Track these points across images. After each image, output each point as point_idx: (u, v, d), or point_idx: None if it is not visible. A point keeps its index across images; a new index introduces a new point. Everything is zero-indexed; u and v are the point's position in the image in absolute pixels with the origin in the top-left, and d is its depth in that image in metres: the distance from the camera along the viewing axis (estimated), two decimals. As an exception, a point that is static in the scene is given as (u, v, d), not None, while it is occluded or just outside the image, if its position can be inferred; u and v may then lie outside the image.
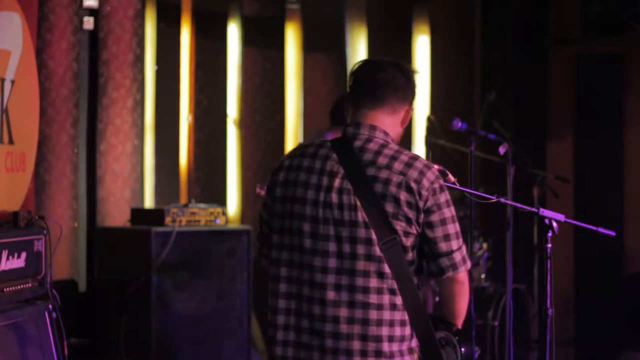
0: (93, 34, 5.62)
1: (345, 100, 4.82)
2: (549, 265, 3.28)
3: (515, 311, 4.71)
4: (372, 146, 2.93)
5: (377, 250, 2.85)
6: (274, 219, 2.98)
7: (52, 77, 5.25)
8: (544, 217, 3.27)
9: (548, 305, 3.29)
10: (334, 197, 2.88)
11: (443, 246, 2.91)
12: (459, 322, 3.05)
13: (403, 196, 2.86)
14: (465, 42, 7.96)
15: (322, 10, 7.24)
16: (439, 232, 2.90)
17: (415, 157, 2.94)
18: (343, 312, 2.85)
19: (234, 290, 5.45)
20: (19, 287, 3.85)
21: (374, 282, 2.85)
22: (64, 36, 5.31)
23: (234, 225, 5.71)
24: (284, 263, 2.94)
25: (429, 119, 6.50)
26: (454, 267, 2.94)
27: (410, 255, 2.89)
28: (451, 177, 3.15)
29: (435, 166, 3.15)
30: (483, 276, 6.48)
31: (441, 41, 7.77)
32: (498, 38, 7.85)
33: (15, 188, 4.57)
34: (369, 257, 2.86)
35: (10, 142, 4.51)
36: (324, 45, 7.30)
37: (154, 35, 6.08)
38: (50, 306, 3.94)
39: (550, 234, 3.28)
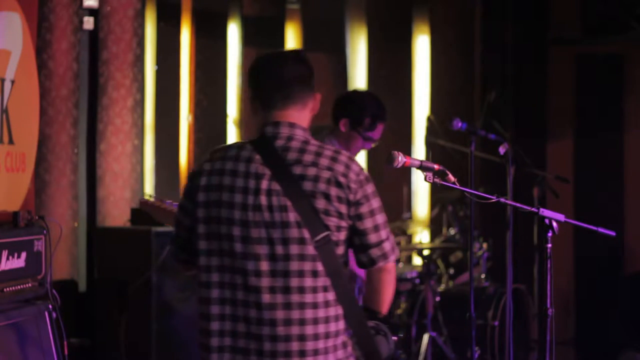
0: (93, 34, 5.62)
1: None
2: (549, 265, 3.28)
3: (515, 311, 4.70)
4: (295, 144, 2.91)
5: (311, 249, 2.83)
6: (198, 225, 2.92)
7: (52, 77, 5.25)
8: (544, 217, 3.27)
9: (548, 305, 3.29)
10: (263, 200, 2.85)
11: (373, 237, 2.92)
12: (384, 310, 3.05)
13: (333, 191, 2.85)
14: (465, 42, 7.96)
15: (322, 10, 7.24)
16: (368, 223, 2.90)
17: (339, 152, 2.93)
18: (280, 314, 2.83)
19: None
20: (19, 287, 3.85)
21: (308, 282, 2.84)
22: (64, 36, 5.31)
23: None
24: (214, 269, 2.89)
25: (429, 119, 6.51)
26: (385, 256, 2.95)
27: (341, 249, 2.90)
28: (451, 177, 3.15)
29: (436, 166, 3.15)
30: (483, 276, 6.48)
31: (441, 41, 7.77)
32: (498, 38, 7.85)
33: (15, 188, 4.57)
34: (303, 257, 2.84)
35: (10, 142, 4.51)
36: (324, 45, 7.31)
37: (154, 35, 6.08)
38: (50, 306, 3.94)
39: (550, 234, 3.28)
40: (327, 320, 2.86)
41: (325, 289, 2.86)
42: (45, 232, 3.99)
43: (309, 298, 2.84)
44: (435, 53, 7.75)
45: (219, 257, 2.89)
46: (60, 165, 5.35)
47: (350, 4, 7.47)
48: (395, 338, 3.02)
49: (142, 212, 5.52)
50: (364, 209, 2.89)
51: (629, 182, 7.69)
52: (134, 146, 5.78)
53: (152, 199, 3.54)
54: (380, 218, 2.93)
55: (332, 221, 2.85)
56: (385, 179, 7.37)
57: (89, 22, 5.57)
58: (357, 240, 2.92)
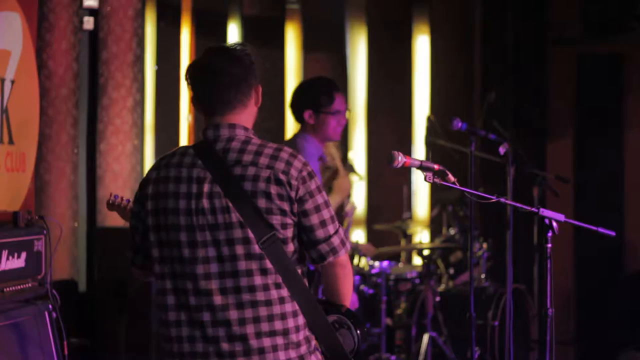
0: (93, 34, 5.62)
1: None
2: (549, 265, 3.28)
3: (515, 311, 4.70)
4: (235, 145, 2.91)
5: (257, 248, 2.83)
6: (150, 233, 2.94)
7: (52, 77, 5.25)
8: (544, 217, 3.27)
9: (548, 305, 3.29)
10: (205, 203, 2.85)
11: (320, 233, 2.90)
12: (347, 304, 3.02)
13: (274, 190, 2.84)
14: (465, 42, 7.96)
15: (322, 10, 7.24)
16: (314, 220, 2.89)
17: (280, 149, 2.92)
18: (233, 314, 2.83)
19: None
20: (19, 287, 3.85)
21: (258, 280, 2.84)
22: (64, 36, 5.31)
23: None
24: (167, 276, 2.91)
25: (429, 119, 6.50)
26: (334, 251, 2.93)
27: (291, 247, 2.88)
28: (451, 177, 3.15)
29: (436, 166, 3.14)
30: (483, 276, 6.48)
31: (441, 41, 7.77)
32: (498, 38, 7.86)
33: (15, 188, 4.57)
34: (250, 256, 2.83)
35: (10, 142, 4.51)
36: (324, 45, 7.31)
37: (154, 35, 6.08)
38: (50, 306, 3.94)
39: (550, 234, 3.28)
40: (283, 316, 2.85)
41: (277, 286, 2.85)
42: (45, 232, 3.99)
43: (260, 296, 2.83)
44: (435, 53, 7.75)
45: (170, 264, 2.90)
46: (60, 165, 5.35)
47: (350, 4, 7.47)
48: (358, 332, 2.99)
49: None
50: (308, 205, 2.88)
51: (629, 182, 7.69)
52: (134, 146, 5.78)
53: (117, 200, 3.56)
54: (327, 213, 2.91)
55: (276, 219, 2.84)
56: (385, 179, 7.38)
57: (89, 22, 5.57)
58: (305, 236, 2.91)
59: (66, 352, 4.00)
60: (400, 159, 3.11)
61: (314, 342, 2.93)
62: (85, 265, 5.63)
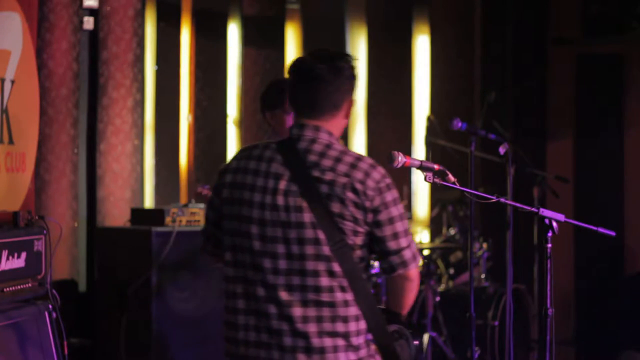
0: (93, 34, 5.62)
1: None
2: (549, 265, 3.28)
3: (515, 311, 4.70)
4: (317, 147, 2.95)
5: (326, 250, 2.87)
6: (224, 221, 3.01)
7: (52, 77, 5.25)
8: (544, 217, 3.27)
9: (548, 305, 3.29)
10: (280, 200, 2.90)
11: (392, 244, 2.94)
12: (404, 312, 3.07)
13: (349, 197, 2.88)
14: (465, 42, 7.96)
15: (322, 10, 7.24)
16: (387, 231, 2.93)
17: (360, 158, 2.96)
18: (297, 311, 2.88)
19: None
20: (19, 287, 3.84)
21: (324, 281, 2.88)
22: (64, 36, 5.30)
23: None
24: (238, 264, 2.97)
25: (429, 119, 6.50)
26: (404, 264, 2.96)
27: (359, 253, 2.93)
28: (451, 177, 3.15)
29: (436, 166, 3.14)
30: (483, 276, 6.48)
31: (441, 41, 7.77)
32: (498, 38, 7.85)
33: (15, 188, 4.57)
34: (318, 257, 2.88)
35: (10, 142, 4.51)
36: (324, 45, 7.26)
37: (154, 35, 6.08)
38: (50, 306, 3.93)
39: (550, 234, 3.28)
40: (345, 319, 2.89)
41: (342, 289, 2.90)
42: (45, 232, 3.99)
43: (325, 297, 2.88)
44: (435, 53, 7.75)
45: (241, 253, 2.96)
46: (60, 165, 5.35)
47: (350, 4, 7.47)
48: (417, 342, 3.04)
49: (142, 212, 5.54)
50: (382, 217, 2.92)
51: (629, 182, 7.69)
52: (134, 146, 5.78)
53: (204, 190, 3.69)
54: (400, 226, 2.95)
55: (348, 225, 2.89)
56: (385, 179, 7.36)
57: (89, 22, 5.57)
58: (377, 247, 2.96)
59: (66, 352, 3.99)
60: (400, 159, 3.12)
61: (373, 347, 2.96)
62: (85, 265, 5.63)
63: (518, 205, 3.33)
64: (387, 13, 7.65)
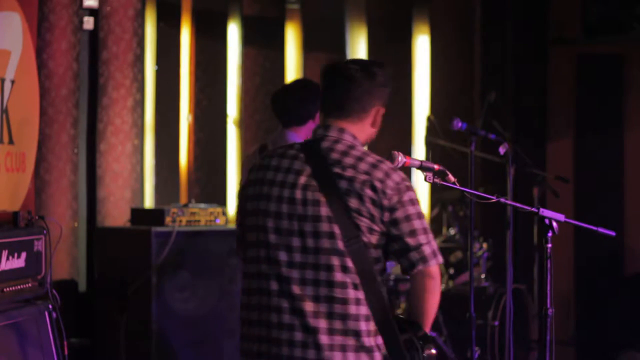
0: (93, 34, 5.62)
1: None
2: (549, 265, 3.28)
3: (515, 311, 4.70)
4: (340, 147, 2.99)
5: (341, 245, 2.88)
6: (246, 218, 3.05)
7: (52, 77, 5.25)
8: (544, 217, 3.27)
9: (548, 305, 3.28)
10: (298, 194, 2.93)
11: (410, 241, 2.94)
12: (427, 325, 3.02)
13: (367, 193, 2.90)
14: (465, 42, 7.96)
15: (322, 10, 7.24)
16: (404, 228, 2.93)
17: (382, 161, 2.99)
18: (308, 306, 2.89)
19: (234, 290, 5.44)
20: (19, 287, 3.84)
21: (338, 276, 2.88)
22: (64, 36, 5.30)
23: (234, 225, 5.71)
24: (254, 260, 3.00)
25: (429, 119, 6.50)
26: (424, 260, 2.95)
27: (374, 253, 2.92)
28: (451, 177, 3.15)
29: (436, 166, 3.15)
30: (483, 276, 6.48)
31: (441, 41, 7.77)
32: (498, 38, 7.85)
33: (15, 188, 4.57)
34: (333, 251, 2.89)
35: (10, 142, 4.51)
36: (324, 45, 7.30)
37: (154, 35, 6.08)
38: (50, 306, 3.94)
39: (550, 234, 3.28)
40: (357, 317, 2.89)
41: (355, 287, 2.90)
42: (45, 232, 3.99)
43: (337, 292, 2.89)
44: (435, 53, 7.75)
45: (257, 248, 2.99)
46: (60, 165, 5.35)
47: (350, 4, 7.47)
48: (431, 351, 2.95)
49: (142, 212, 5.53)
50: (399, 214, 2.92)
51: (629, 182, 7.69)
52: (134, 146, 5.78)
53: None
54: (419, 224, 2.95)
55: (364, 222, 2.89)
56: (385, 179, 7.37)
57: (89, 22, 5.57)
58: (396, 245, 2.95)
59: (66, 352, 3.99)
60: (400, 159, 3.12)
61: (383, 351, 2.94)
62: (85, 265, 5.63)
63: (518, 205, 3.33)
64: (387, 13, 7.65)
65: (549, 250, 3.28)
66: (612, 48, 7.71)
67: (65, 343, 3.98)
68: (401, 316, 3.08)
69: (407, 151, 7.24)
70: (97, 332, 5.44)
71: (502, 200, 3.26)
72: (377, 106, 3.07)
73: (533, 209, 3.26)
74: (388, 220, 2.92)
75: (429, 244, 2.97)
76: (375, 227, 2.91)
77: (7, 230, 3.85)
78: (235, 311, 5.45)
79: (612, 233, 3.40)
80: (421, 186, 7.61)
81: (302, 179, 2.94)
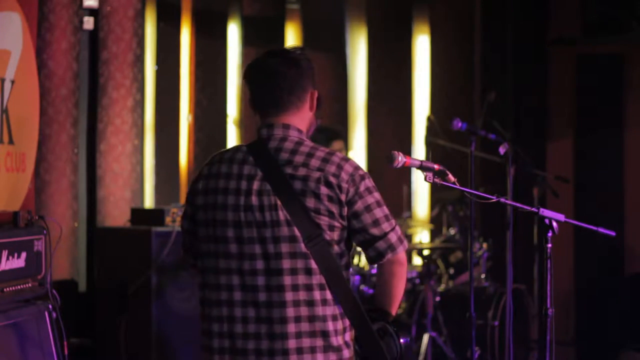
0: (93, 34, 5.63)
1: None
2: (549, 265, 3.28)
3: (515, 311, 4.70)
4: (288, 145, 2.93)
5: (302, 247, 2.85)
6: (199, 228, 2.97)
7: (52, 77, 5.25)
8: (544, 217, 3.27)
9: (548, 305, 3.29)
10: (254, 200, 2.87)
11: (375, 231, 2.90)
12: (394, 309, 3.02)
13: (323, 191, 2.86)
14: (465, 42, 7.96)
15: (322, 10, 7.24)
16: (367, 219, 2.90)
17: (332, 153, 2.93)
18: (276, 312, 2.85)
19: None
20: (19, 287, 3.85)
21: (302, 279, 2.85)
22: (64, 36, 5.31)
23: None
24: (212, 270, 2.94)
25: (429, 119, 6.50)
26: (392, 248, 2.93)
27: (337, 249, 2.89)
28: (451, 177, 3.15)
29: (436, 166, 3.14)
30: (483, 276, 6.48)
31: (441, 41, 7.77)
32: (498, 38, 7.85)
33: (15, 188, 4.57)
34: (294, 255, 2.85)
35: (10, 142, 4.51)
36: (324, 45, 7.30)
37: (154, 35, 6.08)
38: (50, 306, 3.94)
39: (550, 234, 3.28)
40: (324, 319, 2.86)
41: (321, 287, 2.87)
42: (45, 232, 3.99)
43: (303, 295, 2.85)
44: (435, 53, 7.75)
45: (215, 259, 2.92)
46: (60, 165, 5.35)
47: (350, 4, 7.47)
48: (403, 340, 2.98)
49: (142, 212, 5.54)
50: (358, 206, 2.89)
51: (629, 182, 7.69)
52: (134, 146, 5.78)
53: None
54: (380, 212, 2.92)
55: (323, 220, 2.86)
56: (385, 179, 7.38)
57: (89, 22, 5.57)
58: (361, 237, 2.92)
59: (66, 352, 4.00)
60: (400, 159, 3.11)
61: (352, 348, 2.93)
62: (85, 265, 5.63)
63: (518, 205, 3.33)
64: (387, 13, 7.65)
65: (549, 250, 3.28)
66: (612, 48, 7.71)
67: (65, 343, 3.98)
68: (367, 307, 3.04)
69: (407, 151, 7.24)
70: (97, 332, 5.44)
71: (502, 200, 3.26)
72: (310, 90, 3.01)
73: (533, 209, 3.26)
74: (348, 214, 2.88)
75: (394, 231, 2.94)
76: (336, 224, 2.87)
77: (7, 230, 3.86)
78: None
79: (612, 233, 3.40)
80: (421, 186, 7.62)
81: (255, 184, 2.88)
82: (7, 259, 3.77)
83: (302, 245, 2.84)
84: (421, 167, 3.15)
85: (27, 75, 4.69)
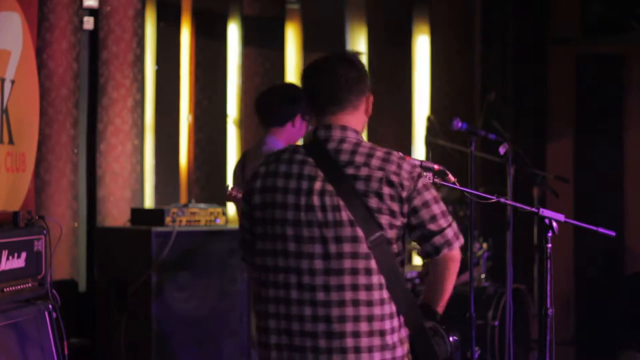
0: (93, 34, 5.63)
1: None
2: (549, 265, 3.28)
3: (515, 311, 4.70)
4: (347, 146, 2.97)
5: (365, 247, 2.89)
6: (256, 226, 3.02)
7: (52, 77, 5.25)
8: (544, 217, 3.28)
9: (548, 305, 3.29)
10: (316, 200, 2.91)
11: (432, 227, 2.95)
12: (442, 306, 3.07)
13: (386, 190, 2.90)
14: (465, 42, 7.96)
15: (322, 10, 7.24)
16: (424, 215, 2.94)
17: (390, 152, 2.98)
18: (334, 311, 2.89)
19: (234, 290, 5.45)
20: (19, 287, 3.85)
21: (362, 279, 2.89)
22: (64, 36, 5.31)
23: (234, 225, 5.73)
24: (269, 269, 2.97)
25: (429, 119, 6.50)
26: (448, 243, 2.98)
27: (395, 247, 2.94)
28: (451, 177, 3.16)
29: (436, 166, 3.15)
30: (483, 276, 6.48)
31: (441, 41, 7.77)
32: (498, 38, 7.85)
33: (15, 188, 4.57)
34: (356, 255, 2.89)
35: (10, 142, 4.51)
36: (324, 45, 7.29)
37: (154, 35, 6.08)
38: (50, 306, 3.94)
39: (550, 234, 3.28)
40: (382, 317, 2.91)
41: (380, 287, 2.91)
42: (45, 232, 3.99)
43: (362, 295, 2.89)
44: (435, 53, 7.75)
45: (273, 257, 2.97)
46: (60, 165, 5.35)
47: (350, 4, 7.47)
48: (452, 339, 3.03)
49: (142, 212, 5.54)
50: (417, 202, 2.93)
51: (629, 182, 7.69)
52: (134, 146, 5.78)
53: (233, 192, 3.71)
54: (437, 208, 2.96)
55: (385, 219, 2.90)
56: (385, 179, 7.37)
57: (89, 22, 5.57)
58: (419, 232, 2.97)
59: (66, 352, 4.00)
60: (401, 159, 3.11)
61: (406, 346, 2.97)
62: (85, 265, 5.63)
63: (518, 205, 3.33)
64: (387, 13, 7.64)
65: (549, 250, 3.29)
66: (612, 48, 7.71)
67: (65, 343, 3.98)
68: (419, 304, 3.07)
69: (407, 151, 7.24)
70: (97, 332, 5.44)
71: (502, 200, 3.26)
72: (366, 93, 3.06)
73: (533, 209, 3.26)
74: (407, 211, 2.93)
75: (451, 227, 2.99)
76: (396, 222, 2.92)
77: (7, 230, 3.86)
78: (235, 311, 5.48)
79: (612, 233, 3.41)
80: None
81: (318, 185, 2.92)
82: (7, 259, 3.77)
83: (365, 245, 2.89)
84: (421, 167, 3.15)
85: (27, 75, 4.69)
